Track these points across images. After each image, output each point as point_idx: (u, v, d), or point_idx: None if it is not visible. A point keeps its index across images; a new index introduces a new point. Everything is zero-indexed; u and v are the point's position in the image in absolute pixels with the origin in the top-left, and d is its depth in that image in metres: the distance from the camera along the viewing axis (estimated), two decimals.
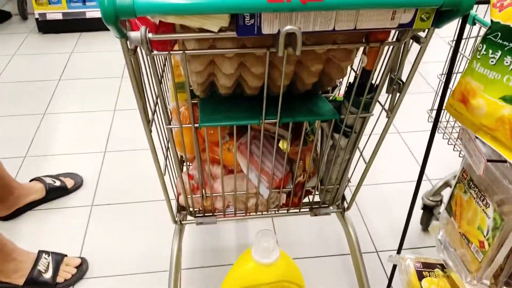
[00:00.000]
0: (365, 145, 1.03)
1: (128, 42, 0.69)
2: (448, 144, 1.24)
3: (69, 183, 1.76)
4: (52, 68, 2.68)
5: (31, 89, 2.47)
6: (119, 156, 1.97)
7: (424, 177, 1.86)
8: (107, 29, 0.63)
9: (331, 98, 1.10)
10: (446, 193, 1.50)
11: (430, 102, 1.37)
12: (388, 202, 1.74)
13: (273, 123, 0.89)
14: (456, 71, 1.26)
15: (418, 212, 1.63)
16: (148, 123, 0.86)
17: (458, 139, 1.21)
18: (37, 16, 3.00)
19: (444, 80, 1.29)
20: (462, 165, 0.84)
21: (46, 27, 3.06)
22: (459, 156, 1.11)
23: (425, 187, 1.80)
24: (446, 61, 1.27)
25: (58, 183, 1.73)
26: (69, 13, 3.02)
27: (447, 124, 1.25)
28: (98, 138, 2.07)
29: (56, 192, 1.72)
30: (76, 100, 2.37)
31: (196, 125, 0.89)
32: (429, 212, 1.55)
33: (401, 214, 1.68)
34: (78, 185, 1.78)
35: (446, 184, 1.47)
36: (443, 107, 0.79)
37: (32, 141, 2.05)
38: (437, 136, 1.19)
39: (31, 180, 1.74)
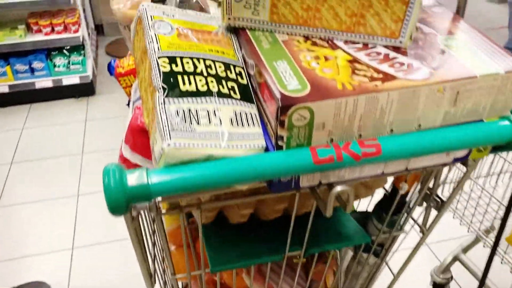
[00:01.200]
0: (391, 256, 0.92)
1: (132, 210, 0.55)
2: (483, 246, 1.16)
3: None
4: (2, 149, 2.43)
5: None
6: (90, 251, 1.76)
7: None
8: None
9: None
10: (455, 268, 1.41)
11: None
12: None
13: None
14: None
15: None
16: (150, 277, 0.71)
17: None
18: None
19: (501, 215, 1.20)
20: None
21: None
22: (510, 272, 1.02)
23: (425, 254, 1.72)
24: None
25: None
26: (17, 85, 2.79)
27: (471, 216, 1.17)
28: (63, 232, 1.85)
29: None
30: (33, 186, 2.14)
31: (207, 270, 0.74)
32: None
33: None
34: None
35: (455, 259, 1.38)
36: (502, 236, 0.69)
37: None
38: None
39: None
